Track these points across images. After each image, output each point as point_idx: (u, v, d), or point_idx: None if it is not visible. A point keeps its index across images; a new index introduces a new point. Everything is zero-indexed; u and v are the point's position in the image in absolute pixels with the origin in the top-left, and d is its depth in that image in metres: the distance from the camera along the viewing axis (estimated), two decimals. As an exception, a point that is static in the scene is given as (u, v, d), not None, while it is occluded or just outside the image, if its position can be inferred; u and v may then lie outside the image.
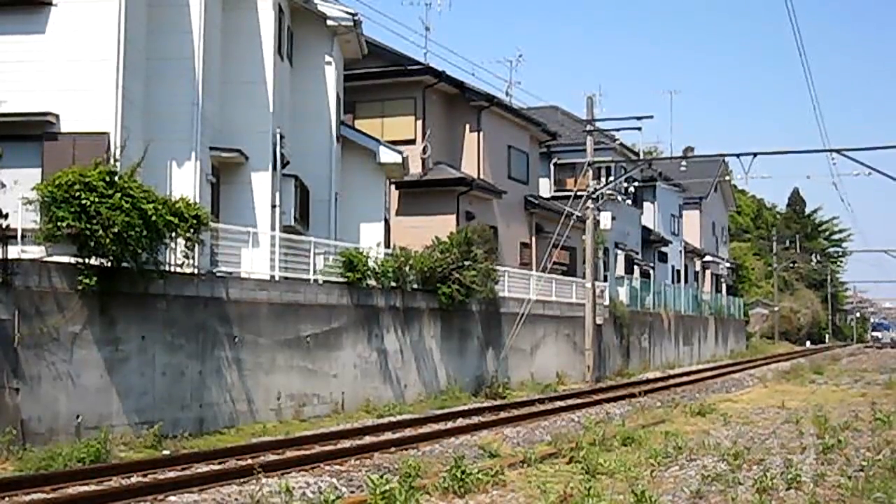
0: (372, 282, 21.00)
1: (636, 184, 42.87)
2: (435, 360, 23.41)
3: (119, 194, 13.94)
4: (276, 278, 18.87)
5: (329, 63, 24.37)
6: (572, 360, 31.63)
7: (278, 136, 21.22)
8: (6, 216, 13.46)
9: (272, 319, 17.81)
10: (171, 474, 11.69)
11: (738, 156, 30.87)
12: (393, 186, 28.98)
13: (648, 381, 30.91)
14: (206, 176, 19.14)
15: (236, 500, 10.46)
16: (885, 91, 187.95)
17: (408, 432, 16.55)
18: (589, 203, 31.72)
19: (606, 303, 34.33)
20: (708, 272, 62.98)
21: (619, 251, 43.77)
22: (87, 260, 13.86)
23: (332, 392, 19.39)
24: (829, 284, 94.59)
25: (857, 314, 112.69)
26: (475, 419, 18.85)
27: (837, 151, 30.19)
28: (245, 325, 17.10)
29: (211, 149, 19.53)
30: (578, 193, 31.59)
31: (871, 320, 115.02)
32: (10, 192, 14.80)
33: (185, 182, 18.17)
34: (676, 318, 45.22)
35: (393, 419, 18.31)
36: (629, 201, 44.25)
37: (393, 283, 21.73)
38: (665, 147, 66.92)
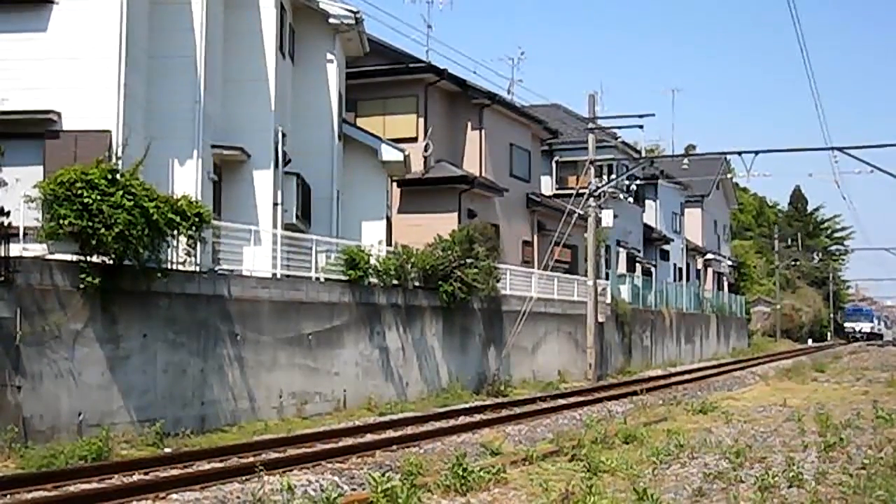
0: (374, 280, 21.00)
1: (638, 182, 42.94)
2: (437, 357, 23.40)
3: (121, 192, 13.94)
4: (278, 276, 18.87)
5: (331, 61, 24.38)
6: (574, 357, 31.63)
7: (280, 134, 21.22)
8: (8, 214, 13.46)
9: (274, 317, 17.81)
10: (173, 472, 11.68)
11: (739, 154, 30.92)
12: (395, 184, 28.98)
13: (650, 379, 30.91)
14: (207, 174, 19.15)
15: (238, 497, 10.46)
16: (886, 89, 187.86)
17: (409, 430, 16.56)
18: (591, 201, 31.71)
19: (608, 301, 34.31)
20: (710, 270, 62.96)
21: (621, 249, 43.78)
22: (88, 258, 13.87)
23: (334, 390, 19.39)
24: (831, 282, 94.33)
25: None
26: (477, 417, 18.85)
27: (839, 149, 30.17)
28: (247, 322, 17.10)
29: (213, 147, 19.53)
30: (580, 191, 31.59)
31: (846, 307, 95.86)
32: (12, 190, 14.83)
33: (186, 180, 18.17)
34: (678, 316, 45.19)
35: (394, 417, 18.31)
36: (631, 199, 44.26)
37: (395, 281, 21.73)
38: (667, 145, 66.79)
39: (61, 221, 13.53)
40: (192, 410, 15.65)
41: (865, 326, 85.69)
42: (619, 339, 36.05)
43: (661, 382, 29.47)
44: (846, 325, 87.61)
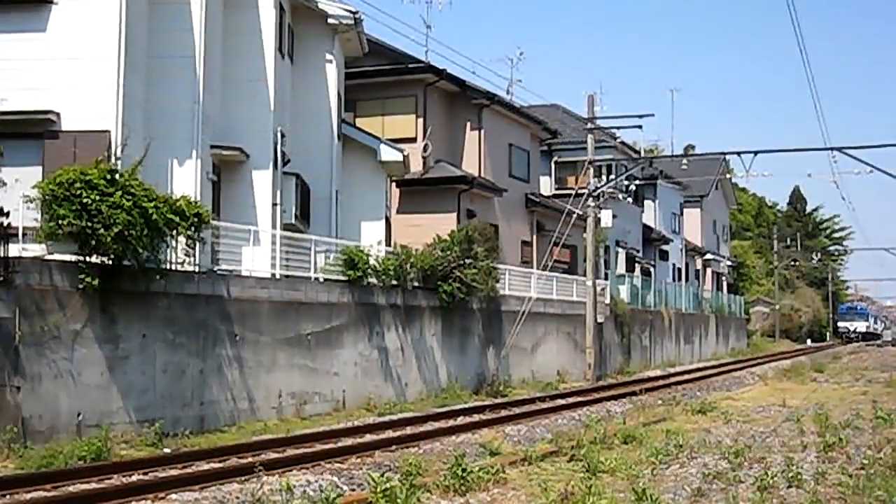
0: (373, 280, 21.00)
1: (637, 182, 42.91)
2: (436, 358, 23.40)
3: (120, 192, 13.95)
4: (277, 276, 18.87)
5: (330, 61, 24.38)
6: (573, 358, 31.64)
7: (279, 135, 21.22)
8: (7, 214, 13.46)
9: (273, 317, 17.81)
10: (172, 472, 11.68)
11: (738, 154, 30.90)
12: (394, 184, 28.99)
13: (649, 380, 30.90)
14: (206, 174, 19.15)
15: (237, 498, 10.46)
16: (885, 89, 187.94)
17: (409, 430, 16.56)
18: (590, 201, 31.71)
19: (607, 301, 34.33)
20: (709, 270, 62.98)
21: (620, 249, 43.79)
22: (88, 258, 13.88)
23: (333, 390, 19.39)
24: (830, 283, 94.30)
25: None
26: (476, 417, 18.85)
27: (838, 149, 30.15)
28: (246, 323, 17.10)
29: (212, 147, 19.53)
30: (579, 191, 31.56)
31: (840, 306, 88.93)
32: (12, 191, 14.81)
33: (186, 180, 18.17)
34: (677, 317, 45.20)
35: (394, 417, 18.30)
36: (630, 199, 44.25)
37: (394, 282, 21.73)
38: (666, 145, 66.95)
39: (60, 222, 13.53)
40: (192, 411, 15.65)
41: (861, 326, 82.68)
42: (619, 339, 36.06)
43: (660, 383, 29.47)
44: (840, 324, 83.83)
